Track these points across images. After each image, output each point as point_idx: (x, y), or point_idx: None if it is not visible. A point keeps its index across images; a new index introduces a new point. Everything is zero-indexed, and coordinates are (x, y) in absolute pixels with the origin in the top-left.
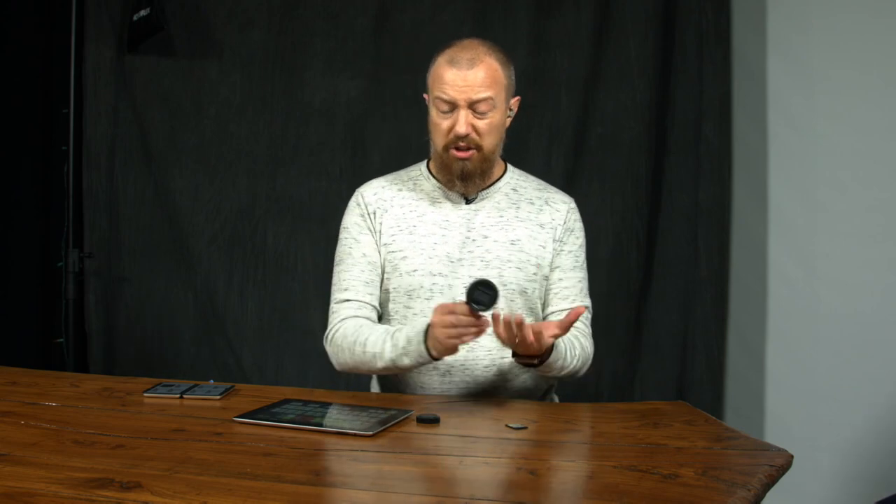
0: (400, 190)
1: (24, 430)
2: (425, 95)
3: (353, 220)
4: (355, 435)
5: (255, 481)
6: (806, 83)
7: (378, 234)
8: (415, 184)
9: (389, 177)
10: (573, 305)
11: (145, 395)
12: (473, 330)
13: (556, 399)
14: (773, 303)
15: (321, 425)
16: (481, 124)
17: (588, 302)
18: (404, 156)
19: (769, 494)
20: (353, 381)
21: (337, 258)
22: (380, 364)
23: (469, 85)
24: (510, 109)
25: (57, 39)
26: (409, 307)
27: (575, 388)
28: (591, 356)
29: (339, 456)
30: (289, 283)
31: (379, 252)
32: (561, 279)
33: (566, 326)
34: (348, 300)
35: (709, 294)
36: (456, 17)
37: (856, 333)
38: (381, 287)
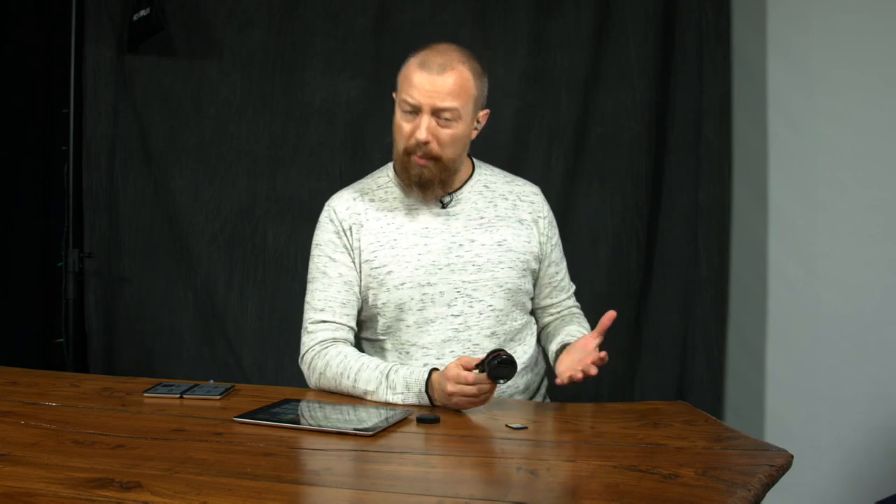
0: (372, 201)
1: (24, 430)
2: (394, 94)
3: (326, 238)
4: (355, 435)
5: (255, 481)
6: (806, 83)
7: (356, 251)
8: (385, 192)
9: (357, 186)
10: (569, 294)
11: (145, 395)
12: (486, 398)
13: (548, 400)
14: (773, 303)
15: (321, 425)
16: (443, 134)
17: (572, 283)
18: None
19: (769, 494)
20: None
21: (310, 276)
22: (369, 398)
23: (436, 91)
24: (477, 122)
25: (57, 39)
26: (401, 319)
27: (575, 388)
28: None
29: (339, 456)
30: (289, 283)
31: (358, 271)
32: (556, 272)
33: (603, 332)
34: (324, 321)
35: (709, 294)
36: (456, 17)
37: (856, 333)
38: (357, 307)
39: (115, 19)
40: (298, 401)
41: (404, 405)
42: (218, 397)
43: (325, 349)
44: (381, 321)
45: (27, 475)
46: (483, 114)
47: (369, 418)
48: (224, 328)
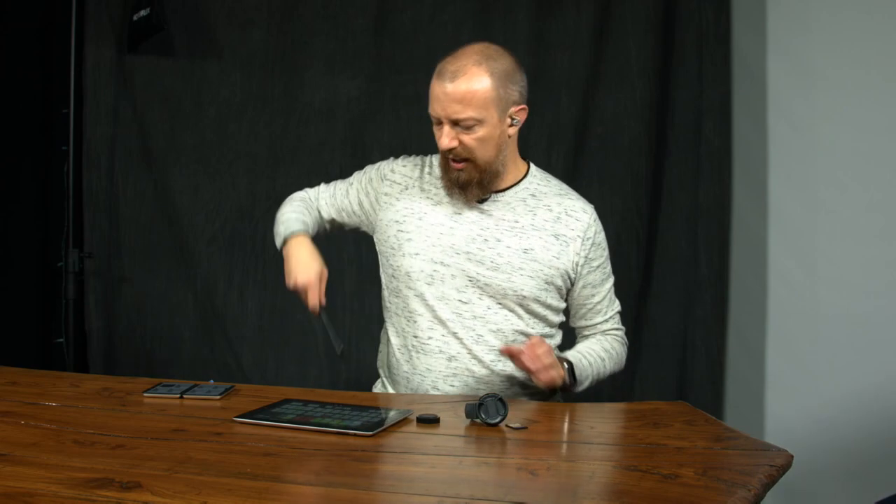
0: (423, 176)
1: (24, 430)
2: None
3: (369, 169)
4: (355, 435)
5: (255, 481)
6: (806, 83)
7: (386, 202)
8: (433, 175)
9: (419, 157)
10: (606, 317)
11: (145, 395)
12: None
13: (560, 399)
14: (773, 303)
15: (321, 425)
16: (467, 139)
17: (617, 304)
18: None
19: (769, 494)
20: (353, 381)
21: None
22: (277, 227)
23: (449, 101)
24: (511, 118)
25: (57, 39)
26: (410, 287)
27: None
28: (625, 355)
29: (339, 456)
30: None
31: (364, 205)
32: (593, 295)
33: (511, 353)
34: (319, 188)
35: (709, 294)
36: (456, 17)
37: (856, 333)
38: (333, 216)
39: (115, 19)
40: (298, 401)
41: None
42: (218, 397)
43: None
44: (393, 284)
45: (27, 475)
46: (517, 109)
47: (369, 418)
48: (224, 328)
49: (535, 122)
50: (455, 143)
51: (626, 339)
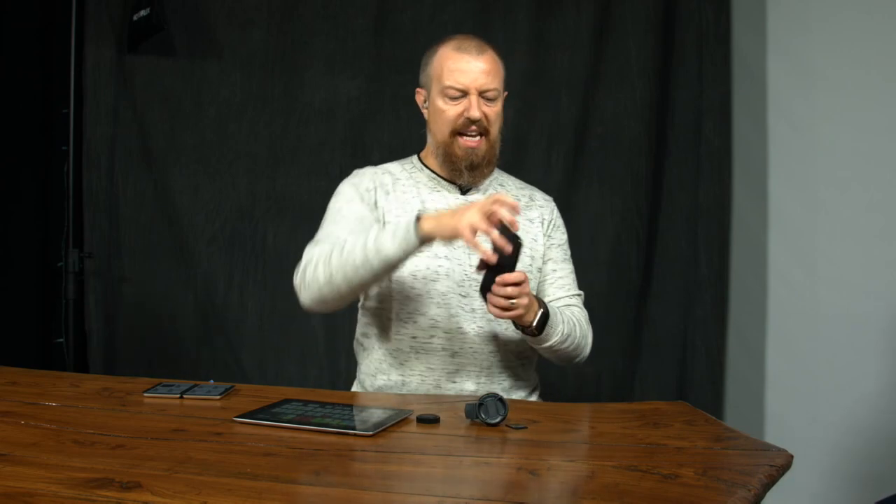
0: (398, 178)
1: (24, 430)
2: (420, 90)
3: (346, 190)
4: (355, 435)
5: (255, 481)
6: (806, 83)
7: (380, 209)
8: (410, 174)
9: (383, 166)
10: (569, 294)
11: (145, 395)
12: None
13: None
14: (773, 303)
15: (321, 425)
16: (489, 111)
17: (581, 292)
18: (404, 156)
19: (769, 494)
20: (353, 381)
21: (324, 219)
22: (358, 257)
23: (481, 72)
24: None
25: (57, 39)
26: (413, 287)
27: (575, 389)
28: (591, 340)
29: (339, 456)
30: (289, 283)
31: (373, 214)
32: (555, 270)
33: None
34: (320, 241)
35: (709, 294)
36: (456, 17)
37: (856, 333)
38: None
39: (115, 19)
40: (298, 401)
41: (394, 250)
42: (218, 397)
43: (313, 250)
44: (395, 288)
45: (27, 475)
46: (505, 94)
47: (369, 418)
48: (224, 328)
49: (535, 122)
50: (483, 114)
51: (592, 331)
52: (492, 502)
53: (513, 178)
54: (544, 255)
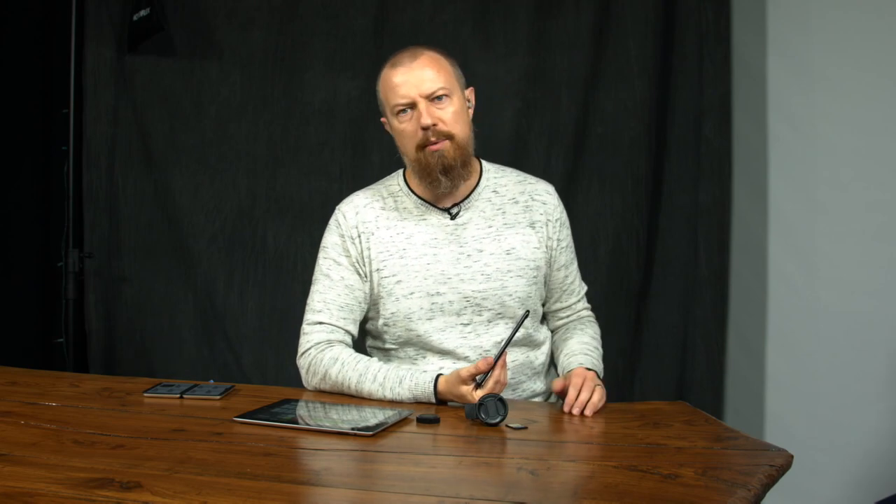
0: (383, 209)
1: (24, 430)
2: (382, 119)
3: (333, 241)
4: (355, 435)
5: (255, 481)
6: (806, 83)
7: (366, 259)
8: (395, 201)
9: (368, 192)
10: (579, 297)
11: (145, 395)
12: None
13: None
14: (773, 303)
15: (321, 425)
16: (444, 114)
17: (584, 284)
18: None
19: (769, 494)
20: None
21: (314, 277)
22: (366, 392)
23: (419, 78)
24: (468, 101)
25: (57, 39)
26: (410, 329)
27: None
28: (599, 330)
29: (339, 456)
30: (289, 283)
31: (365, 278)
32: (566, 276)
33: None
34: (321, 323)
35: (709, 294)
36: (456, 17)
37: (856, 333)
38: (359, 313)
39: (115, 19)
40: (298, 401)
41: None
42: (218, 397)
43: (321, 352)
44: (392, 332)
45: (27, 475)
46: (469, 91)
47: (369, 418)
48: (224, 328)
49: (535, 122)
50: (436, 118)
51: (596, 320)
52: (492, 502)
53: (509, 172)
54: (551, 260)
